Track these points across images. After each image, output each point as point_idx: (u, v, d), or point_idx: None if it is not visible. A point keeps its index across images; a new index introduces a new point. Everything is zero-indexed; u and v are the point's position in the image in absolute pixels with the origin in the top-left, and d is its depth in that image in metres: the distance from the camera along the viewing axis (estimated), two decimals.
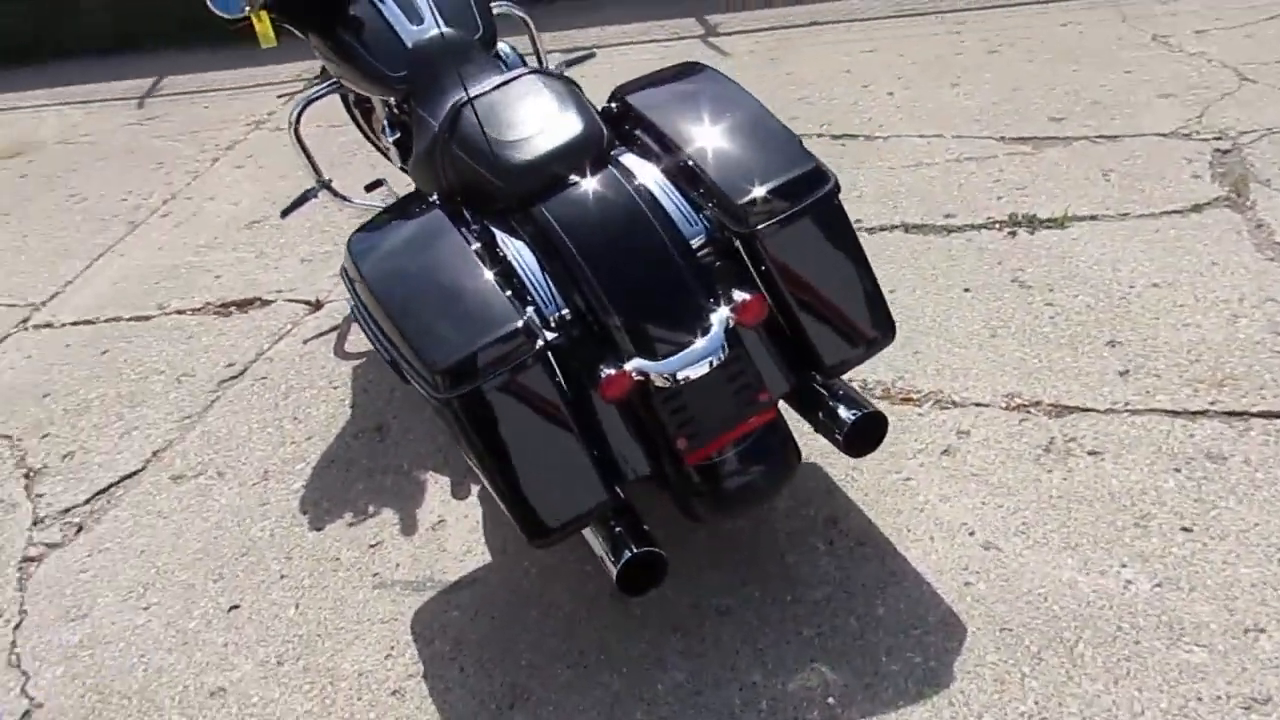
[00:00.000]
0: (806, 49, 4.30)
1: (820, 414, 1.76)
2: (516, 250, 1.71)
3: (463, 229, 1.75)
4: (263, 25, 2.25)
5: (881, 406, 1.96)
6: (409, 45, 2.25)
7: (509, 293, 1.62)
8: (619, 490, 1.63)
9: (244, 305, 3.06)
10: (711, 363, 1.57)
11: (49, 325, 3.13)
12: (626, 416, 1.63)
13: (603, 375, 1.54)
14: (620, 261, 1.63)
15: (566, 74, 2.99)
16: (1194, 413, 2.05)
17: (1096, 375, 2.18)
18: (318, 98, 2.57)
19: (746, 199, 1.66)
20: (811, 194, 1.68)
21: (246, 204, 3.75)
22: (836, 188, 1.71)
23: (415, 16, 2.29)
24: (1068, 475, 1.95)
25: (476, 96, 1.87)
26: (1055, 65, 3.70)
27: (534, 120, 1.81)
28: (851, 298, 1.72)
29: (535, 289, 1.67)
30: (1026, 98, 3.49)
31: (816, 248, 1.70)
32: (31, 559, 2.20)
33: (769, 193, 1.66)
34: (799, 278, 1.68)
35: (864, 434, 1.72)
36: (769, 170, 1.70)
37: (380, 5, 2.30)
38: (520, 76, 1.92)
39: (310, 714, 1.74)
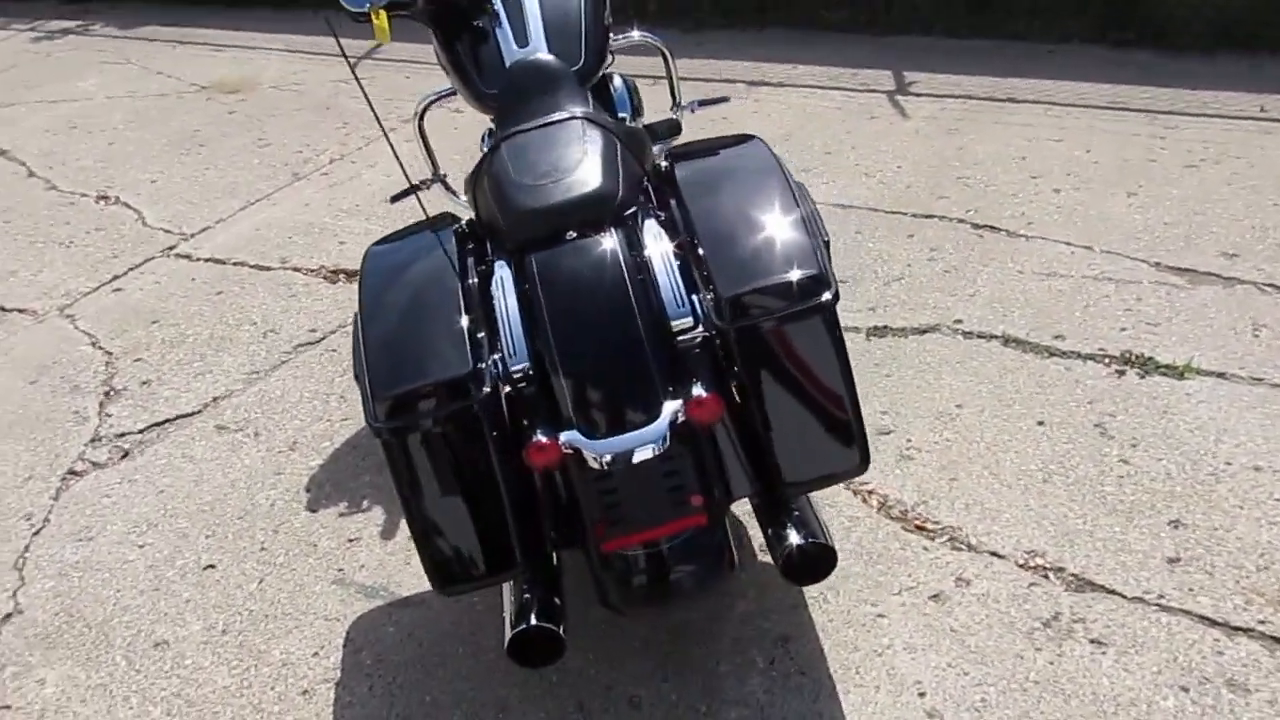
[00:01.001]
0: (990, 125, 4.05)
1: (770, 529, 1.65)
2: (504, 294, 1.68)
3: (470, 261, 1.76)
4: (379, 21, 2.33)
5: (892, 529, 1.83)
6: (507, 65, 2.28)
7: (481, 335, 1.61)
8: (553, 555, 1.59)
9: (352, 275, 3.21)
10: (650, 452, 1.50)
11: (187, 257, 3.40)
12: (556, 486, 1.59)
13: (533, 440, 1.50)
14: (584, 328, 1.58)
15: (697, 113, 2.99)
16: (1234, 628, 1.77)
17: (1140, 555, 1.93)
18: (441, 97, 2.65)
19: (732, 293, 1.57)
20: (802, 301, 1.57)
21: (399, 178, 3.92)
22: (834, 298, 1.59)
23: (523, 37, 2.30)
24: (1056, 660, 1.74)
25: (516, 132, 1.87)
26: (1256, 194, 3.30)
27: (558, 167, 1.77)
28: (823, 419, 1.60)
29: (508, 338, 1.64)
30: (1205, 224, 3.14)
31: (795, 359, 1.59)
32: (75, 473, 2.40)
33: (756, 291, 1.56)
34: (769, 387, 1.58)
35: (809, 564, 1.59)
36: (767, 267, 1.60)
37: (497, 19, 2.34)
38: (566, 120, 1.89)
39: (227, 690, 1.81)
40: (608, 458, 1.49)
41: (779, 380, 1.58)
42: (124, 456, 2.43)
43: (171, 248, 3.47)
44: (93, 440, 2.49)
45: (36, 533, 2.22)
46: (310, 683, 1.81)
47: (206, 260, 3.37)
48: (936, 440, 2.29)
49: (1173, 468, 2.15)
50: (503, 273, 1.71)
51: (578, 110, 1.93)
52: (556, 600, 1.59)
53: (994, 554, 1.96)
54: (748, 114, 4.21)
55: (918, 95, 4.41)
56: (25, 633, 1.97)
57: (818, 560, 1.58)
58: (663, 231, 1.73)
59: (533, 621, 1.53)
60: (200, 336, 2.91)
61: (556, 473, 1.57)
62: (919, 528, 2.04)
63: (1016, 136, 3.91)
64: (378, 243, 1.85)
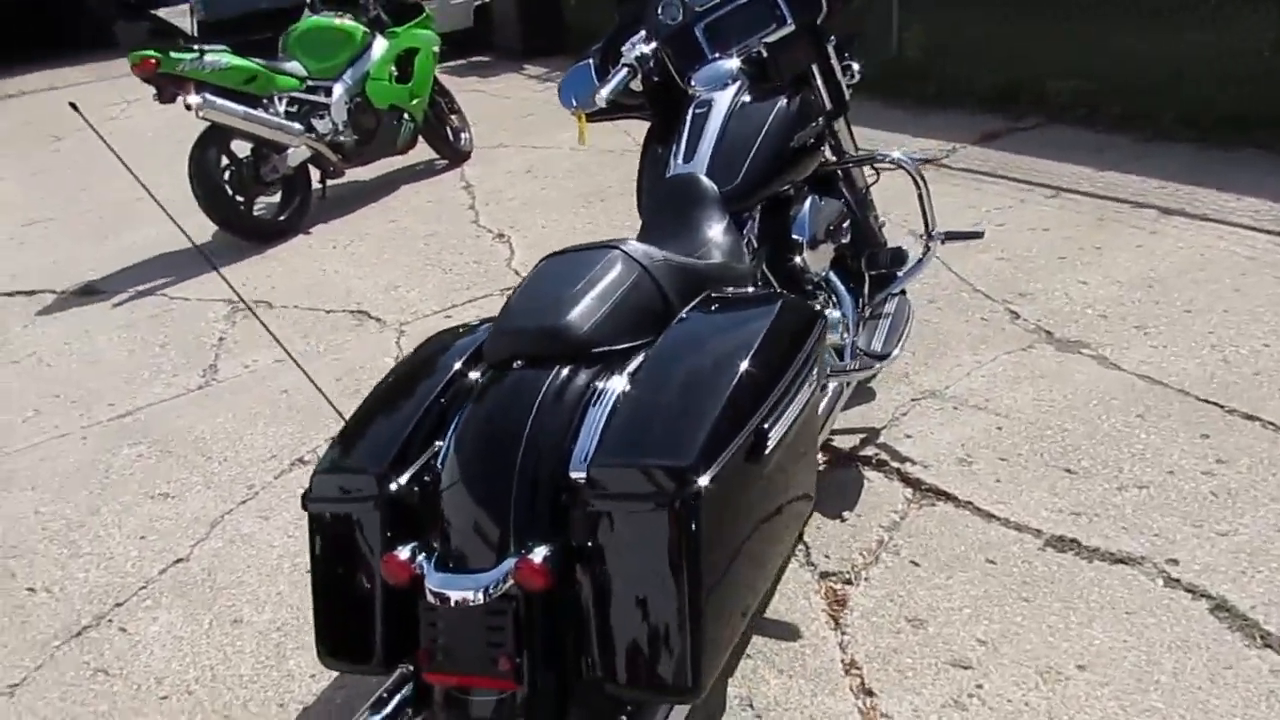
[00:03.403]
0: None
1: None
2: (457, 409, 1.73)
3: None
4: (580, 125, 2.49)
5: None
6: (666, 177, 2.30)
7: (421, 436, 1.69)
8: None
9: None
10: (466, 600, 1.47)
11: None
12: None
13: (390, 553, 1.55)
14: (473, 458, 1.58)
15: (944, 246, 2.70)
16: None
17: None
18: None
19: (595, 464, 1.46)
20: (657, 493, 1.41)
21: None
22: (696, 497, 1.40)
23: (690, 153, 2.30)
24: None
25: (556, 253, 1.89)
26: None
27: (551, 294, 1.76)
28: (651, 627, 1.42)
29: (444, 445, 1.70)
30: None
31: (636, 552, 1.43)
32: (302, 461, 2.91)
33: (615, 468, 1.44)
34: (601, 573, 1.44)
35: None
36: (644, 445, 1.46)
37: (679, 134, 2.36)
38: (602, 248, 1.85)
39: (241, 678, 2.12)
40: (438, 592, 1.49)
41: (616, 571, 1.44)
42: None
43: (508, 288, 3.96)
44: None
45: (243, 502, 2.75)
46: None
47: None
48: (1016, 700, 1.83)
49: None
50: (472, 386, 1.77)
51: (631, 241, 1.88)
52: (408, 711, 1.62)
53: None
54: (1130, 246, 3.61)
55: None
56: (178, 578, 2.48)
57: None
58: (618, 380, 1.66)
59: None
60: None
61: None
62: None
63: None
64: (439, 333, 2.00)
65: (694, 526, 1.40)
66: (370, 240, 4.76)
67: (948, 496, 2.40)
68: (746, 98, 2.39)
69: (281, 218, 4.93)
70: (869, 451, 2.61)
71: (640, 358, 1.67)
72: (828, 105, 2.67)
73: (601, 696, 1.50)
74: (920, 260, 2.75)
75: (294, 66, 4.93)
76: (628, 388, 1.60)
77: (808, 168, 2.43)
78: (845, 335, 2.46)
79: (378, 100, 5.13)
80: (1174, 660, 1.88)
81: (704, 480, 1.41)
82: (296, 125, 4.80)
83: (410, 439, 1.67)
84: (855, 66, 2.75)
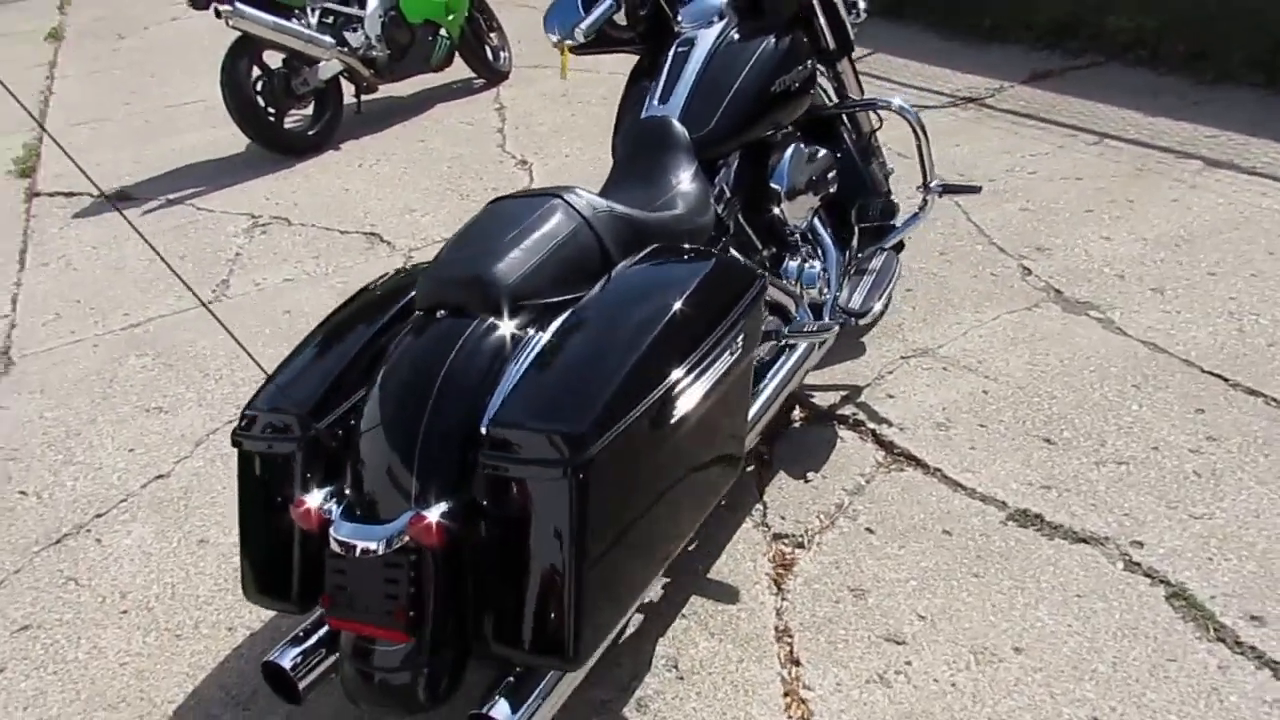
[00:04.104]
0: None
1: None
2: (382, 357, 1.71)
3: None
4: (563, 57, 2.41)
5: None
6: (641, 118, 2.22)
7: (350, 380, 1.68)
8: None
9: None
10: (366, 550, 1.48)
11: None
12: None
13: (300, 498, 1.56)
14: (388, 407, 1.57)
15: (941, 198, 2.58)
16: None
17: None
18: None
19: (493, 422, 1.44)
20: (548, 455, 1.39)
21: None
22: (585, 464, 1.37)
23: (667, 94, 2.22)
24: None
25: (501, 198, 1.85)
26: None
27: (482, 242, 1.72)
28: (538, 592, 1.41)
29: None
30: None
31: (526, 515, 1.41)
32: None
33: (510, 428, 1.42)
34: (495, 535, 1.44)
35: None
36: (543, 409, 1.44)
37: (658, 73, 2.27)
38: (544, 196, 1.80)
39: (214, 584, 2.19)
40: (341, 540, 1.50)
41: (508, 532, 1.43)
42: None
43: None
44: None
45: (229, 422, 2.80)
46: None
47: None
48: (943, 680, 1.80)
49: None
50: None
51: (578, 190, 1.82)
52: (322, 651, 1.65)
53: None
54: (1164, 200, 3.42)
55: None
56: (156, 493, 2.55)
57: None
58: (535, 332, 1.62)
59: (273, 656, 1.62)
60: None
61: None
62: None
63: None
64: (382, 276, 1.97)
65: (580, 496, 1.38)
66: (395, 160, 4.74)
67: (917, 462, 2.34)
68: (736, 35, 2.29)
69: (311, 132, 4.92)
70: (847, 410, 2.54)
71: (568, 313, 1.64)
72: (831, 45, 2.54)
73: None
74: (915, 214, 2.64)
75: None
76: (546, 344, 1.57)
77: (792, 113, 2.33)
78: (824, 291, 2.38)
79: (412, 15, 5.04)
80: (1116, 649, 1.82)
81: (594, 450, 1.39)
82: (328, 38, 4.75)
83: (337, 383, 1.68)
84: (861, 4, 2.61)
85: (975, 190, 2.72)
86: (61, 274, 3.93)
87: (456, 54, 5.40)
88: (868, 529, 2.16)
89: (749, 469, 2.36)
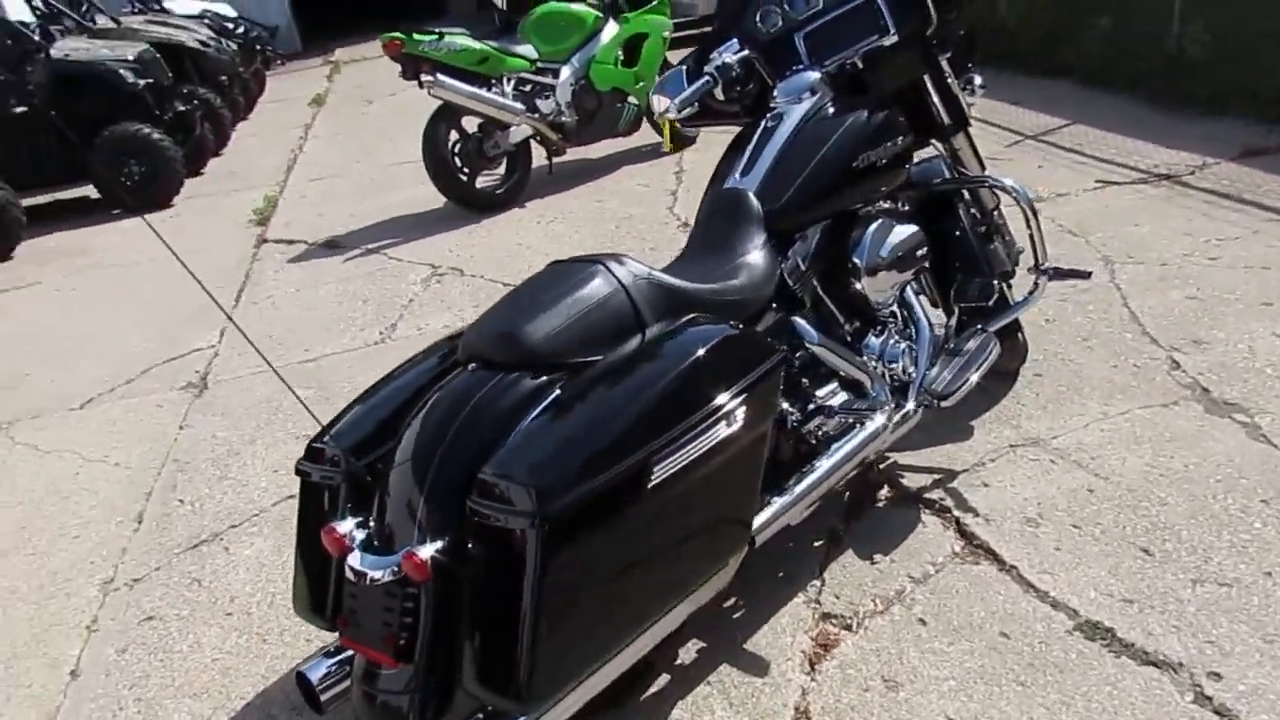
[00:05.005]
0: None
1: None
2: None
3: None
4: (664, 129, 2.51)
5: None
6: (721, 191, 2.27)
7: (397, 423, 1.83)
8: None
9: None
10: (372, 578, 1.59)
11: None
12: None
13: (331, 524, 1.72)
14: (411, 451, 1.69)
15: (1050, 281, 2.47)
16: None
17: None
18: None
19: (485, 471, 1.53)
20: (515, 511, 1.46)
21: None
22: (553, 517, 1.43)
23: (749, 168, 2.26)
24: None
25: (555, 262, 1.95)
26: None
27: (523, 301, 1.82)
28: (497, 635, 1.47)
29: None
30: None
31: (497, 561, 1.49)
32: None
33: (496, 478, 1.50)
34: (472, 576, 1.52)
35: None
36: (529, 462, 1.51)
37: (749, 140, 2.32)
38: (595, 263, 1.87)
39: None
40: (351, 566, 1.64)
41: (487, 575, 1.52)
42: None
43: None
44: None
45: None
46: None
47: None
48: None
49: None
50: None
51: (626, 258, 1.89)
52: (347, 668, 1.79)
53: None
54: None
55: None
56: (283, 512, 2.81)
57: None
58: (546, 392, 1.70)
59: (303, 668, 1.78)
60: None
61: None
62: None
63: None
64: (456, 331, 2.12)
65: (545, 547, 1.45)
66: (570, 219, 5.00)
67: (994, 556, 2.21)
68: (830, 110, 2.31)
69: (500, 191, 5.30)
70: (935, 494, 2.45)
71: (584, 374, 1.72)
72: (945, 120, 2.50)
73: None
74: (1024, 298, 2.52)
75: (526, 49, 5.25)
76: (556, 401, 1.65)
77: (877, 189, 2.31)
78: (909, 370, 2.32)
79: (600, 83, 5.34)
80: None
81: (560, 505, 1.45)
82: (519, 105, 5.12)
83: (383, 425, 1.83)
84: (977, 80, 2.55)
85: (1084, 276, 2.56)
86: (265, 312, 4.43)
87: (645, 120, 5.64)
88: (920, 619, 2.07)
89: (817, 544, 2.32)
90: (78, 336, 4.48)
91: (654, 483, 1.54)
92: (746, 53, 2.44)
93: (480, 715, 1.56)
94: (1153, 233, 3.76)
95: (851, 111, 2.29)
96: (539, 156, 5.46)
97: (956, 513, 2.37)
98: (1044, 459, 2.52)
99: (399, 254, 4.87)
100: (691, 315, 1.84)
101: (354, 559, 1.61)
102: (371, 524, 1.70)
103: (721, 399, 1.64)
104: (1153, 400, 2.70)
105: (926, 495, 2.45)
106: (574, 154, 5.67)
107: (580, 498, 1.47)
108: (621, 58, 5.46)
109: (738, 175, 2.27)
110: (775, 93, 2.38)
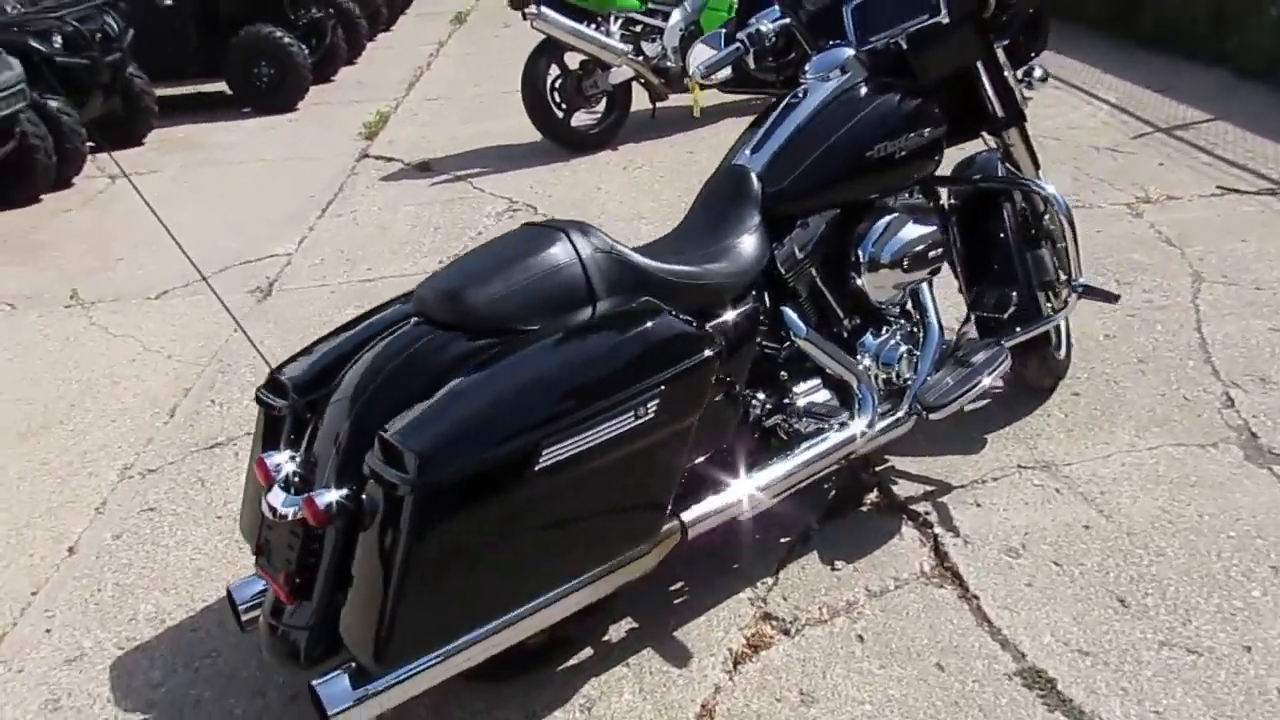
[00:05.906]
0: None
1: None
2: None
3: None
4: (694, 93, 2.41)
5: None
6: (725, 167, 2.19)
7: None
8: None
9: None
10: (281, 514, 1.63)
11: None
12: None
13: (264, 454, 1.76)
14: (342, 396, 1.72)
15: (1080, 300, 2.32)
16: None
17: None
18: None
19: (387, 428, 1.53)
20: (394, 475, 1.46)
21: None
22: (429, 485, 1.43)
23: (759, 146, 2.16)
24: None
25: (526, 223, 1.91)
26: None
27: (482, 264, 1.79)
28: (364, 594, 1.49)
29: None
30: None
31: (377, 522, 1.49)
32: None
33: (392, 437, 1.50)
34: (359, 533, 1.53)
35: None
36: (425, 426, 1.51)
37: (768, 116, 2.22)
38: (559, 231, 1.82)
39: None
40: (267, 500, 1.69)
41: (367, 529, 1.53)
42: None
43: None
44: None
45: None
46: None
47: None
48: None
49: None
50: None
51: (591, 228, 1.84)
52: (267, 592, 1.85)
53: None
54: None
55: None
56: None
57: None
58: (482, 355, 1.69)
59: (232, 585, 1.85)
60: None
61: None
62: None
63: None
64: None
65: (419, 512, 1.46)
66: (657, 167, 4.93)
67: (959, 582, 2.10)
68: (860, 92, 2.17)
69: (595, 131, 5.25)
70: (922, 507, 2.33)
71: (510, 344, 1.69)
72: (999, 113, 2.33)
73: None
74: (1051, 314, 2.35)
75: None
76: (478, 367, 1.64)
77: (895, 181, 2.17)
78: (905, 375, 2.20)
79: (709, 30, 5.18)
80: None
81: (439, 473, 1.45)
82: (622, 45, 5.03)
83: (332, 365, 1.86)
84: (1037, 72, 2.35)
85: (1113, 299, 2.35)
86: (345, 227, 4.56)
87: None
88: (860, 636, 1.99)
89: (784, 539, 2.26)
90: (174, 228, 4.71)
91: (543, 465, 1.51)
92: (787, 21, 2.32)
93: (354, 664, 1.59)
94: (1258, 252, 3.43)
95: (881, 95, 2.15)
96: (641, 99, 5.38)
97: (938, 529, 2.26)
98: (1049, 486, 2.36)
99: (483, 184, 4.91)
100: (645, 298, 1.79)
101: (272, 495, 1.66)
102: (298, 460, 1.74)
103: (633, 390, 1.59)
104: (1191, 439, 2.48)
105: (913, 506, 2.34)
106: (678, 99, 5.56)
107: (462, 471, 1.46)
108: (736, 6, 5.27)
109: (747, 152, 2.17)
110: (806, 67, 2.26)
